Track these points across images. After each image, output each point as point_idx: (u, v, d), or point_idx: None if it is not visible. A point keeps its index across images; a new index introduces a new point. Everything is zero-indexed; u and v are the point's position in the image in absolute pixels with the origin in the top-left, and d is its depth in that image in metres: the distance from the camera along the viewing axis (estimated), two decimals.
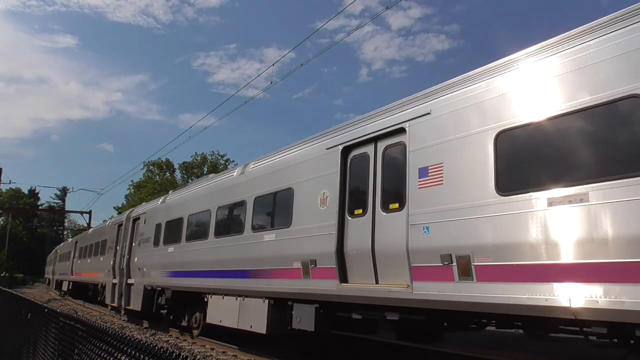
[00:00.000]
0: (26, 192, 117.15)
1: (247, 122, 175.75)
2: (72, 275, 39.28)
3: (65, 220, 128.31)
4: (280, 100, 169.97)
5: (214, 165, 78.46)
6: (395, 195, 9.73)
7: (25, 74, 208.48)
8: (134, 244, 22.52)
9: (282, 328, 12.65)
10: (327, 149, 11.47)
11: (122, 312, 24.70)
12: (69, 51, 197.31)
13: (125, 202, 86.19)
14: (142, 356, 4.48)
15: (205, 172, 75.55)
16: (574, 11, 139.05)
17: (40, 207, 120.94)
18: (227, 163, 78.73)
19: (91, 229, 37.70)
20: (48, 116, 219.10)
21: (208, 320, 15.55)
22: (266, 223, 13.35)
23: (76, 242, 39.98)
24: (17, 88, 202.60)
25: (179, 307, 18.55)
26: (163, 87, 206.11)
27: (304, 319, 11.64)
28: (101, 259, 27.94)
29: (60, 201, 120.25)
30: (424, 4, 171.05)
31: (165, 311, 18.93)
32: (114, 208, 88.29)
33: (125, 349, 4.98)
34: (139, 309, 20.48)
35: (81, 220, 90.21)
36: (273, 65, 22.68)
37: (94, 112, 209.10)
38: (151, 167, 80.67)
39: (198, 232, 16.76)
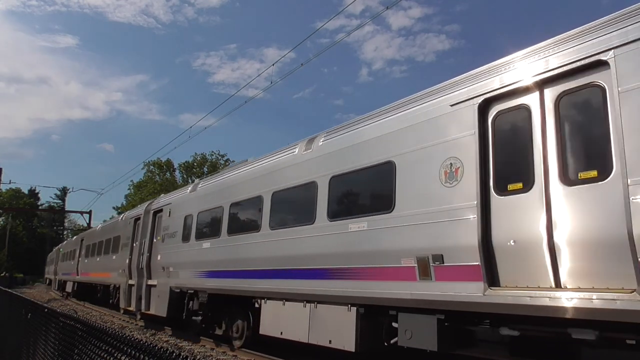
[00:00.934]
0: (26, 192, 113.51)
1: (247, 122, 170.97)
2: (77, 275, 35.58)
3: (65, 220, 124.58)
4: (280, 100, 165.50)
5: (214, 166, 75.92)
6: (587, 159, 6.47)
7: (25, 74, 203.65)
8: (155, 240, 19.11)
9: (377, 344, 9.36)
10: (453, 105, 8.18)
11: (138, 316, 21.30)
12: (69, 51, 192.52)
13: (125, 202, 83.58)
14: (142, 356, 4.31)
15: (205, 172, 73.17)
16: (574, 11, 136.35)
17: (40, 207, 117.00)
18: (227, 163, 75.49)
19: (100, 225, 33.75)
20: (48, 116, 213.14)
21: (262, 331, 12.18)
22: (351, 209, 10.03)
23: (82, 240, 36.10)
24: (17, 88, 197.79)
25: (215, 313, 15.14)
26: (163, 87, 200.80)
27: (418, 334, 8.32)
28: (113, 257, 24.44)
29: (60, 201, 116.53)
30: (425, 4, 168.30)
31: (200, 318, 15.40)
32: (114, 208, 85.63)
33: (125, 349, 4.79)
34: (164, 314, 17.05)
35: (81, 220, 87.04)
36: (273, 65, 21.47)
37: (94, 112, 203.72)
38: (151, 167, 78.42)
39: (245, 223, 13.42)
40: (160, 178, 79.06)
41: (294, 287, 11.00)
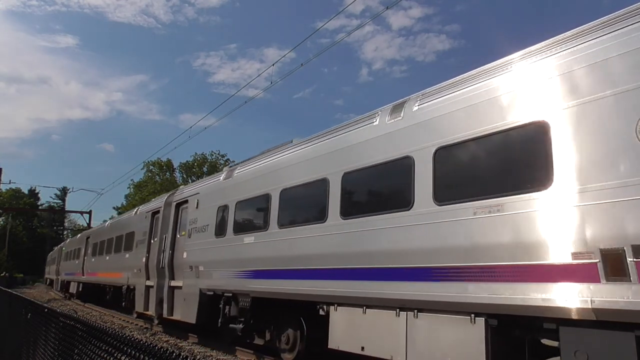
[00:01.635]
0: (26, 192, 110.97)
1: (247, 122, 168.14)
2: (83, 275, 32.50)
3: (65, 220, 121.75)
4: (280, 100, 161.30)
5: (214, 166, 73.79)
6: None
7: (26, 74, 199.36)
8: (179, 236, 16.43)
9: None
10: None
11: (156, 321, 18.58)
12: (69, 51, 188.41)
13: (125, 202, 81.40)
14: (142, 356, 4.18)
15: (205, 172, 71.75)
16: (575, 10, 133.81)
17: (40, 207, 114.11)
18: (227, 163, 72.63)
19: (108, 221, 30.92)
20: (48, 116, 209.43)
21: (332, 345, 9.51)
22: (473, 188, 7.34)
23: (88, 238, 33.10)
24: (17, 88, 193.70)
25: (258, 319, 12.49)
26: (163, 87, 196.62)
27: (600, 357, 5.71)
28: (127, 255, 21.74)
29: (60, 201, 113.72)
30: (425, 4, 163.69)
31: (241, 325, 12.68)
32: (114, 208, 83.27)
33: (125, 349, 4.64)
34: (192, 320, 14.36)
35: (81, 220, 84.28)
36: (273, 65, 20.62)
37: (94, 112, 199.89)
38: (151, 167, 76.02)
39: (304, 213, 10.83)
40: (160, 178, 76.77)
41: (380, 290, 8.39)
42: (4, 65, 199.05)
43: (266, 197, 11.81)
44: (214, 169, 70.79)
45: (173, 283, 16.22)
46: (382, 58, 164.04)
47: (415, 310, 7.88)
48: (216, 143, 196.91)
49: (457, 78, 8.22)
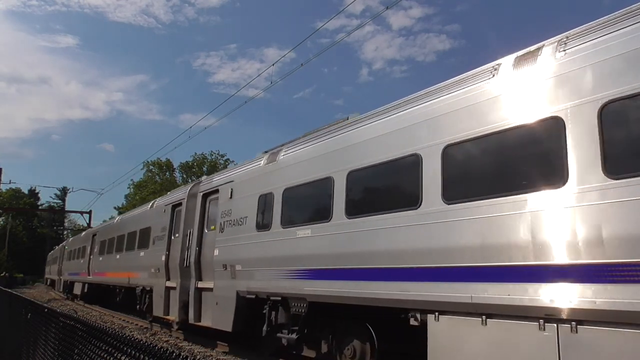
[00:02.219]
0: (26, 192, 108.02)
1: (247, 122, 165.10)
2: (89, 275, 29.75)
3: (65, 220, 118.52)
4: (280, 100, 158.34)
5: (214, 165, 72.03)
6: None
7: (26, 74, 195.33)
8: (207, 231, 14.15)
9: None
10: None
11: (175, 326, 16.28)
12: (69, 51, 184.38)
13: (125, 202, 79.06)
14: (142, 356, 4.11)
15: (205, 171, 69.50)
16: (576, 10, 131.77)
17: (40, 207, 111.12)
18: (226, 163, 72.10)
19: (118, 217, 27.96)
20: (48, 116, 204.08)
21: None
22: None
23: (94, 235, 30.18)
24: (18, 88, 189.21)
25: (312, 328, 10.22)
26: (163, 87, 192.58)
27: None
28: (141, 254, 19.37)
29: (60, 201, 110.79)
30: (425, 4, 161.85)
31: (294, 335, 10.33)
32: (115, 208, 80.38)
33: (125, 349, 4.56)
34: (227, 327, 12.07)
35: (81, 220, 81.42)
36: (273, 65, 20.19)
37: (94, 112, 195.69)
38: (151, 167, 74.18)
39: (387, 197, 8.55)
40: (160, 178, 74.90)
41: (510, 294, 6.16)
42: (5, 65, 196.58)
43: (327, 182, 9.55)
44: (213, 168, 69.32)
45: (201, 284, 13.93)
46: (383, 58, 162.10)
47: (574, 323, 5.64)
48: (216, 143, 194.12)
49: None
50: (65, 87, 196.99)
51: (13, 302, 13.20)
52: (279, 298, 10.56)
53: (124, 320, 23.13)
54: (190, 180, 68.21)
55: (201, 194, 14.67)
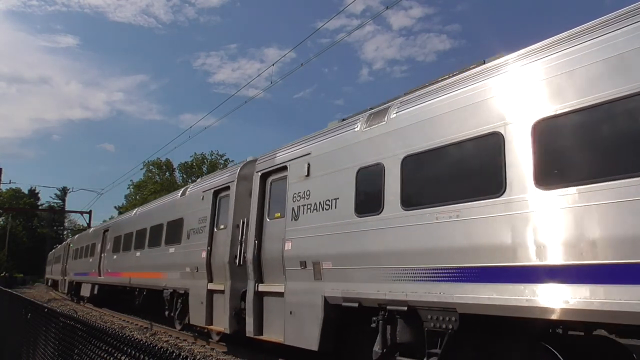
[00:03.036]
0: (26, 192, 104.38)
1: (247, 122, 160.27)
2: (100, 276, 25.82)
3: (65, 220, 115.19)
4: (280, 100, 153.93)
5: (214, 165, 69.46)
6: None
7: (26, 74, 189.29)
8: (269, 219, 10.76)
9: None
10: None
11: (216, 337, 13.10)
12: (69, 51, 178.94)
13: (125, 202, 76.54)
14: (142, 356, 4.02)
15: (205, 172, 67.14)
16: (576, 9, 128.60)
17: (40, 207, 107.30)
18: (226, 163, 69.49)
19: (138, 209, 23.58)
20: (49, 116, 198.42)
21: None
22: None
23: (105, 232, 26.29)
24: (18, 88, 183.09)
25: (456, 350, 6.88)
26: (164, 87, 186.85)
27: None
28: (171, 250, 15.88)
29: (60, 201, 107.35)
30: (425, 4, 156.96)
31: None
32: (115, 208, 77.94)
33: (125, 349, 4.46)
34: (312, 346, 8.66)
35: (81, 220, 79.04)
36: (273, 65, 19.67)
37: (94, 112, 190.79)
38: (151, 167, 71.53)
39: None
40: (160, 178, 72.15)
41: None
42: (5, 65, 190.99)
43: (493, 140, 6.24)
44: (213, 168, 66.83)
45: (263, 287, 10.53)
46: (383, 58, 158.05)
47: None
48: (216, 143, 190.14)
49: None
50: (65, 87, 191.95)
51: (13, 302, 12.85)
52: (404, 308, 7.19)
53: (124, 320, 21.77)
54: (190, 181, 65.47)
55: (259, 174, 11.25)
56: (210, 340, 13.77)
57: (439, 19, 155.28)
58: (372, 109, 9.03)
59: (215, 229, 13.10)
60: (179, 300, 15.17)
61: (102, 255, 25.78)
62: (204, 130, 72.44)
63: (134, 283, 20.18)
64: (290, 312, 9.41)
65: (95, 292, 27.20)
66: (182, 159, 73.97)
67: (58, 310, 8.54)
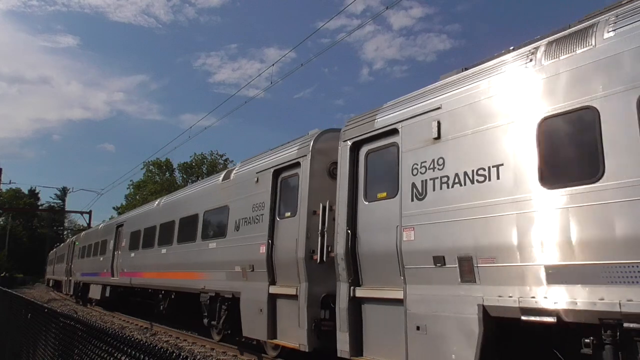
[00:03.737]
0: (26, 192, 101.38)
1: (247, 122, 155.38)
2: (113, 276, 22.18)
3: (65, 220, 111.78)
4: (280, 100, 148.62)
5: (213, 165, 68.06)
6: None
7: (27, 74, 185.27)
8: (365, 202, 7.87)
9: None
10: None
11: (272, 352, 10.43)
12: (70, 51, 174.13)
13: (125, 202, 73.52)
14: (142, 356, 3.89)
15: (204, 171, 66.66)
16: (577, 9, 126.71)
17: (40, 207, 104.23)
18: (226, 163, 67.98)
19: (162, 200, 19.69)
20: (49, 116, 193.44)
21: None
22: None
23: (120, 227, 22.70)
24: (19, 88, 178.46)
25: None
26: (164, 87, 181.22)
27: None
28: (211, 245, 12.84)
29: (60, 201, 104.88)
30: (426, 4, 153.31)
31: None
32: (114, 208, 74.97)
33: (125, 349, 4.34)
34: None
35: (81, 220, 75.98)
36: (273, 65, 19.31)
37: (94, 112, 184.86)
38: (151, 167, 69.35)
39: None
40: (160, 178, 69.99)
41: None
42: (6, 65, 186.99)
43: None
44: (213, 168, 65.31)
45: (363, 292, 7.66)
46: (383, 58, 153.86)
47: None
48: (216, 143, 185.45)
49: None
50: (66, 87, 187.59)
51: (13, 302, 12.63)
52: None
53: (124, 320, 20.82)
54: (190, 181, 64.42)
55: (348, 143, 8.35)
56: (264, 355, 10.84)
57: (439, 19, 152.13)
58: (542, 38, 6.19)
59: (277, 218, 10.21)
60: (223, 306, 12.09)
61: (116, 253, 22.36)
62: (204, 130, 71.15)
63: (158, 284, 17.00)
64: (418, 328, 6.53)
65: (107, 294, 23.64)
66: (182, 159, 72.10)
67: (58, 310, 8.46)
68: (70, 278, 34.59)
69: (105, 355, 4.90)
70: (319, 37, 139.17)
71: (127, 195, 72.90)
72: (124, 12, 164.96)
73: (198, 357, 10.90)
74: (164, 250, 16.35)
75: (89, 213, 60.13)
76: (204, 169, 67.84)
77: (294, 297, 9.07)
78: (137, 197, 66.57)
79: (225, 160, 68.25)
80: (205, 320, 13.00)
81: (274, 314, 9.86)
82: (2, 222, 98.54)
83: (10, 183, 60.65)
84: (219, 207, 12.89)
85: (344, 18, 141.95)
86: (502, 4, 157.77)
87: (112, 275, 22.26)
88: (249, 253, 10.77)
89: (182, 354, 3.36)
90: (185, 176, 69.22)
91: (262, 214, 10.59)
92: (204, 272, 13.17)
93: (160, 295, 17.35)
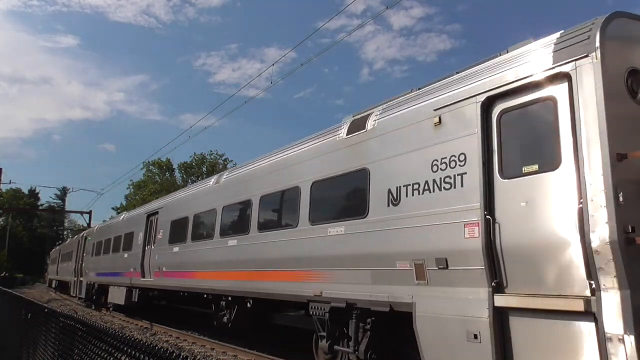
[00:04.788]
0: (26, 192, 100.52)
1: (247, 122, 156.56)
2: (144, 277, 17.91)
3: (65, 220, 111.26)
4: (281, 100, 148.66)
5: (213, 165, 67.83)
6: None
7: (28, 74, 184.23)
8: None
9: None
10: None
11: None
12: (70, 51, 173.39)
13: (125, 202, 73.41)
14: (142, 356, 3.90)
15: (204, 171, 66.40)
16: (577, 9, 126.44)
17: (40, 207, 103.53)
18: (226, 163, 67.74)
19: (226, 174, 14.40)
20: (49, 116, 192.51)
21: None
22: None
23: (151, 216, 18.38)
24: (20, 88, 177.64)
25: None
26: (164, 87, 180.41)
27: None
28: (333, 231, 8.75)
29: (60, 201, 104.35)
30: (426, 4, 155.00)
31: None
32: (113, 208, 74.49)
33: (125, 349, 4.34)
34: None
35: (81, 220, 76.16)
36: (274, 65, 19.11)
37: (95, 112, 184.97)
38: (151, 167, 69.13)
39: None
40: (160, 178, 69.79)
41: None
42: (6, 65, 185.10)
43: None
44: (213, 168, 64.64)
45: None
46: (383, 58, 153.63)
47: None
48: (216, 143, 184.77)
49: None
50: (66, 87, 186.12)
51: (13, 302, 12.59)
52: None
53: (124, 320, 20.23)
54: (190, 181, 64.54)
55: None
56: None
57: (439, 19, 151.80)
58: None
59: (499, 177, 6.27)
60: (363, 325, 8.15)
61: (149, 248, 18.04)
62: (204, 130, 69.82)
63: (224, 288, 12.58)
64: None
65: (135, 298, 19.38)
66: (182, 159, 71.36)
67: (58, 310, 8.44)
68: (81, 279, 30.23)
69: (105, 355, 4.89)
70: (319, 37, 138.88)
71: (127, 195, 72.94)
72: (124, 12, 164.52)
73: (198, 357, 10.73)
74: (232, 242, 12.11)
75: (89, 213, 60.03)
76: (204, 169, 67.54)
77: (576, 315, 5.30)
78: (137, 197, 65.96)
79: (225, 160, 67.84)
80: (326, 342, 8.78)
81: (505, 346, 5.92)
82: (2, 222, 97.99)
83: (10, 183, 60.15)
84: (345, 172, 8.76)
85: (344, 18, 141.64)
86: (503, 3, 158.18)
87: (143, 276, 18.02)
88: (433, 239, 6.88)
89: (182, 354, 3.37)
90: (185, 176, 68.88)
91: (460, 174, 6.61)
92: (317, 270, 9.11)
93: (223, 303, 12.88)
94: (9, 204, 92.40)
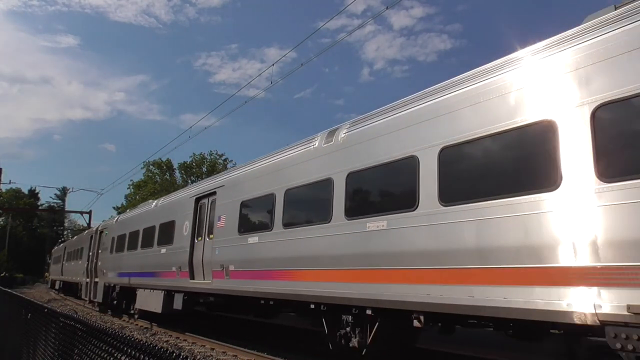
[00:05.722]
0: (26, 192, 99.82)
1: (247, 122, 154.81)
2: (194, 278, 13.99)
3: (65, 221, 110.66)
4: (281, 100, 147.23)
5: (213, 165, 67.25)
6: None
7: (28, 74, 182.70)
8: None
9: None
10: None
11: None
12: (70, 51, 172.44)
13: (125, 202, 72.85)
14: (142, 356, 3.86)
15: (204, 171, 65.85)
16: (578, 8, 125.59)
17: (40, 207, 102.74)
18: (225, 162, 67.34)
19: (346, 126, 9.29)
20: (50, 116, 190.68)
21: None
22: None
23: (201, 199, 14.53)
24: (20, 88, 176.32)
25: None
26: (164, 87, 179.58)
27: None
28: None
29: (60, 201, 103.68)
30: (426, 4, 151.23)
31: None
32: (114, 208, 73.77)
33: (125, 349, 4.28)
34: None
35: (81, 220, 76.56)
36: (274, 65, 18.48)
37: (95, 112, 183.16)
38: (151, 167, 68.51)
39: None
40: (160, 178, 69.23)
41: None
42: (6, 65, 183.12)
43: None
44: (213, 168, 64.21)
45: None
46: (384, 58, 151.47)
47: None
48: (216, 143, 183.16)
49: None
50: (66, 87, 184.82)
51: (13, 302, 12.51)
52: None
53: (124, 320, 19.78)
54: (190, 181, 64.08)
55: None
56: None
57: (440, 19, 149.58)
58: None
59: None
60: None
61: (200, 241, 14.05)
62: (204, 130, 69.86)
63: (354, 295, 8.19)
64: None
65: (178, 305, 14.93)
66: (182, 159, 70.96)
67: (58, 310, 8.38)
68: (96, 279, 25.52)
69: (105, 355, 4.86)
70: (319, 37, 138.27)
71: (127, 195, 72.38)
72: (125, 12, 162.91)
73: (198, 357, 10.66)
74: (373, 225, 7.85)
75: (89, 213, 59.51)
76: (204, 169, 67.15)
77: None
78: (137, 197, 65.39)
79: (225, 160, 67.38)
80: None
81: None
82: (2, 222, 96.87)
83: (10, 183, 59.87)
84: None
85: (344, 18, 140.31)
86: (503, 3, 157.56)
87: (192, 277, 14.10)
88: None
89: (182, 354, 3.33)
90: (185, 176, 68.33)
91: None
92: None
93: (349, 318, 8.62)
94: (9, 204, 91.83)
